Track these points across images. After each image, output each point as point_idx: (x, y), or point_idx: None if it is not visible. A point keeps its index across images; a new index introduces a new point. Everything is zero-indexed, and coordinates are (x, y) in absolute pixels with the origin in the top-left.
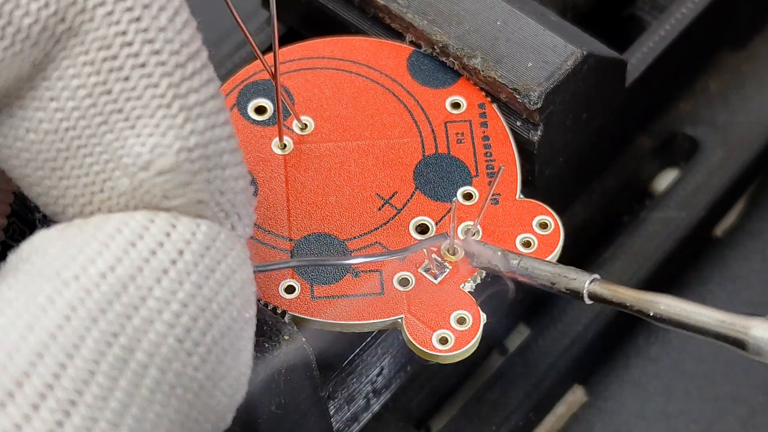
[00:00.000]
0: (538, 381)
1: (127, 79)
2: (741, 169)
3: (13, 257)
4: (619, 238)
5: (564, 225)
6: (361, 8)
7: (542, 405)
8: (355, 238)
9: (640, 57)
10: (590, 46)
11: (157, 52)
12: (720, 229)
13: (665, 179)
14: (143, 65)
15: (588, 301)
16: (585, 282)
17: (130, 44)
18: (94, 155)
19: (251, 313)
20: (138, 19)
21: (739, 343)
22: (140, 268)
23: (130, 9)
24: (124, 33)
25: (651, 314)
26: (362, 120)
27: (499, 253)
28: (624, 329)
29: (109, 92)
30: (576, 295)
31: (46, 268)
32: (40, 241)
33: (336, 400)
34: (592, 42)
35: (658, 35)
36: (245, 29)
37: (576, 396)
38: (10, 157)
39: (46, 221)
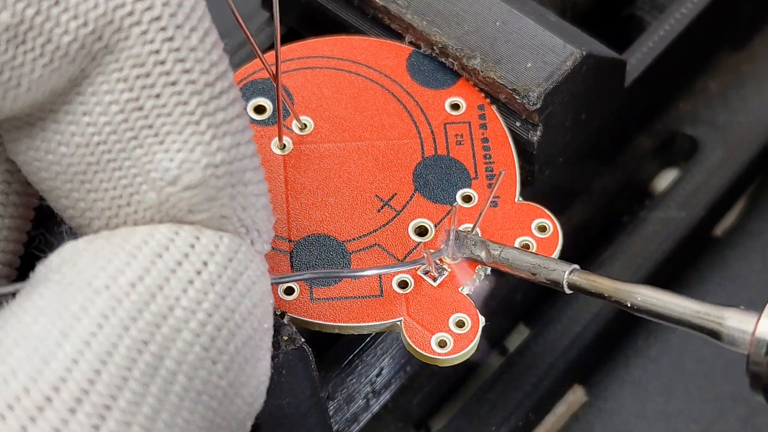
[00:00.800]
0: (538, 381)
1: (158, 96)
2: (741, 169)
3: (42, 268)
4: (619, 238)
5: (563, 225)
6: (361, 9)
7: (542, 405)
8: (354, 239)
9: (640, 57)
10: (590, 46)
11: (187, 71)
12: (720, 229)
13: (665, 179)
14: (174, 83)
15: (567, 291)
16: (564, 272)
17: (162, 63)
18: (123, 169)
19: (269, 324)
20: (171, 39)
21: (714, 334)
22: (167, 279)
23: (163, 29)
24: (157, 52)
25: (629, 305)
26: (361, 121)
27: (481, 243)
28: (624, 329)
29: (140, 108)
30: (556, 285)
31: (77, 278)
32: (68, 252)
33: (335, 401)
34: (591, 42)
35: (658, 35)
36: (245, 29)
37: (576, 396)
38: (41, 169)
39: (73, 233)
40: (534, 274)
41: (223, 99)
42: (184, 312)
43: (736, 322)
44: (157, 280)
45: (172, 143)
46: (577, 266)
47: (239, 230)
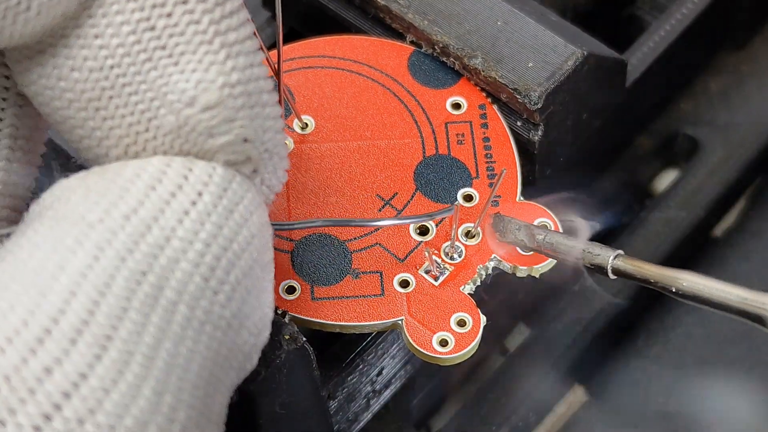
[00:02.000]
0: (538, 381)
1: (169, 15)
2: (741, 169)
3: (35, 206)
4: (619, 238)
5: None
6: (362, 8)
7: (542, 405)
8: (355, 239)
9: (640, 57)
10: (590, 46)
11: None
12: (720, 229)
13: (665, 179)
14: (185, 2)
15: (612, 276)
16: (609, 257)
17: None
18: (139, 93)
19: (270, 257)
20: None
21: (759, 320)
22: (162, 210)
23: None
24: None
25: (674, 290)
26: (363, 120)
27: (525, 228)
28: (624, 329)
29: (152, 29)
30: (600, 270)
31: (70, 213)
32: (60, 189)
33: (336, 400)
34: (592, 42)
35: (658, 35)
36: None
37: (576, 396)
38: (53, 98)
39: (65, 172)
40: (577, 259)
41: (234, 18)
42: (181, 242)
43: None
44: (151, 212)
45: (187, 63)
46: (621, 251)
47: (263, 154)
